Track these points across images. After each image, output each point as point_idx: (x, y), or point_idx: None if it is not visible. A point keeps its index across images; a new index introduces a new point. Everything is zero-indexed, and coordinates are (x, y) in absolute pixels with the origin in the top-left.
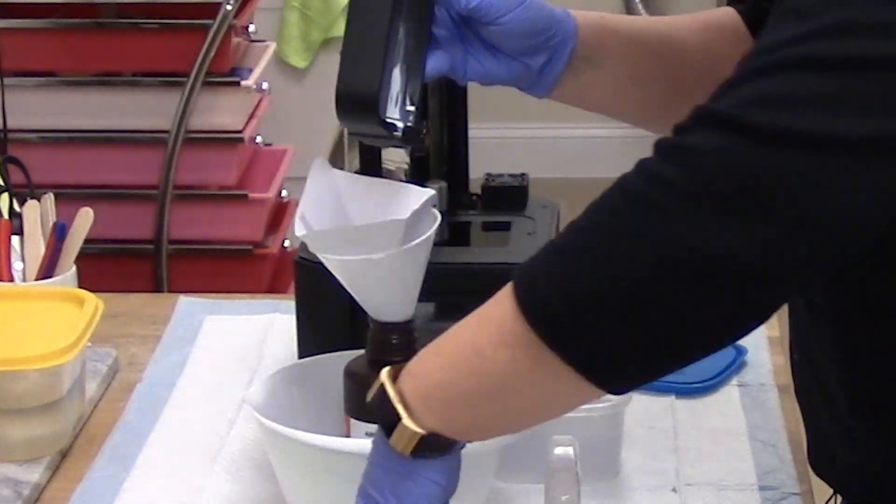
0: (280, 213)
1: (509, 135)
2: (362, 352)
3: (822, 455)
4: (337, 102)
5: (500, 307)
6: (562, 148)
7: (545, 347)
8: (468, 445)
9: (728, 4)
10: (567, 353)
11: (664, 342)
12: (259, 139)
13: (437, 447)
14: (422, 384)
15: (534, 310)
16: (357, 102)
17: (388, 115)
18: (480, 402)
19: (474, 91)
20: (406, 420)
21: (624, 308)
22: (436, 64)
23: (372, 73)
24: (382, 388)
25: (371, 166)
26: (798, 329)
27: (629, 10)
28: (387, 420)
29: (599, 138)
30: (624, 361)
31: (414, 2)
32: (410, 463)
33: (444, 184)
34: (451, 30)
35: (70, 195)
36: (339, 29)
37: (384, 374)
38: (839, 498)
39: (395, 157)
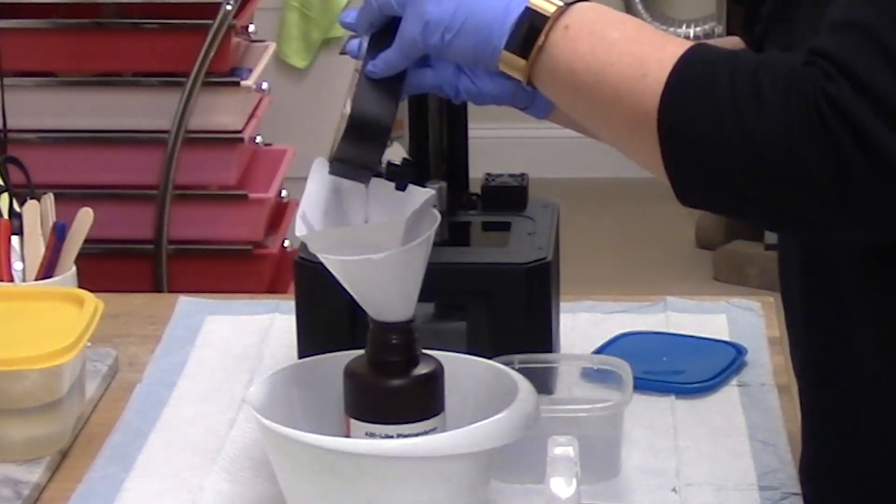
0: (280, 213)
1: (509, 135)
2: (362, 352)
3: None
4: (350, 125)
5: (656, 72)
6: (562, 148)
7: (657, 134)
8: (464, 439)
9: (730, 32)
10: (670, 158)
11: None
12: (259, 139)
13: (528, 36)
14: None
15: (668, 117)
16: (370, 130)
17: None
18: (590, 73)
19: None
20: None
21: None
22: (421, 81)
23: (388, 107)
24: None
25: None
26: (825, 350)
27: (629, 10)
28: None
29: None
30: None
31: None
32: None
33: (444, 184)
34: None
35: (70, 195)
36: (339, 29)
37: None
38: None
39: (395, 158)
